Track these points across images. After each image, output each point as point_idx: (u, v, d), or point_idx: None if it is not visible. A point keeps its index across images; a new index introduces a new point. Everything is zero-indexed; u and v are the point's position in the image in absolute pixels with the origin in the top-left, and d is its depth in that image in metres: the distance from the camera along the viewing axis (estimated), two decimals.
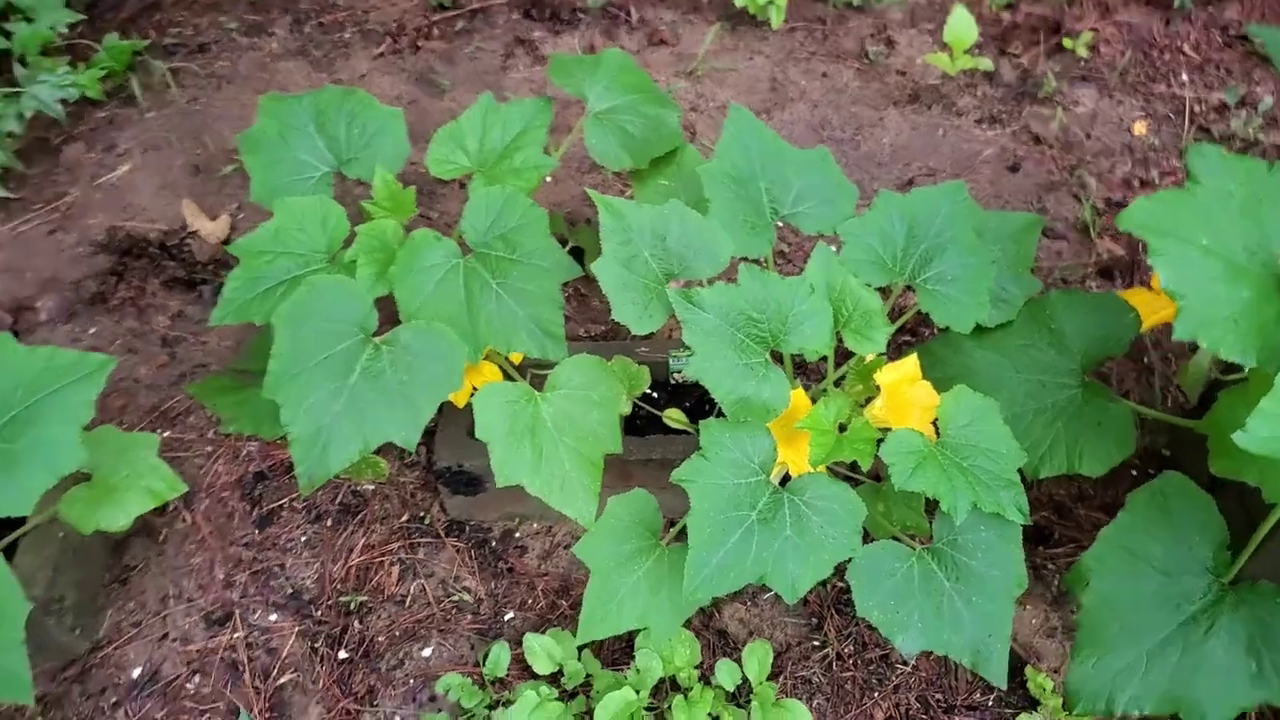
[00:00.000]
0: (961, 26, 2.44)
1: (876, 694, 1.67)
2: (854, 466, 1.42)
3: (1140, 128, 2.61)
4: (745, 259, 1.47)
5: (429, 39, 2.89)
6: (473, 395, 1.42)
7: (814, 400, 1.47)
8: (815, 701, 1.65)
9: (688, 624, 1.67)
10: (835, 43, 2.90)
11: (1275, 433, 1.13)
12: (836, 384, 1.58)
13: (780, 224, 1.60)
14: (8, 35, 2.41)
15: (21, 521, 1.60)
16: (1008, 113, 2.69)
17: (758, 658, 1.61)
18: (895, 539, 1.43)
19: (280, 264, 1.56)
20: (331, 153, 1.74)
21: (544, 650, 1.60)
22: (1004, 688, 1.39)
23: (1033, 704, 1.65)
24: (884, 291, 1.56)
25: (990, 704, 1.67)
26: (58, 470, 1.37)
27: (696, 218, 1.46)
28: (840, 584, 1.77)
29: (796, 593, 1.32)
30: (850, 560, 1.38)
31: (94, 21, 2.79)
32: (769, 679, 1.64)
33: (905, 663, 1.71)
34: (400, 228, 1.60)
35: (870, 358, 1.51)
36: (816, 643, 1.72)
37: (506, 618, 1.75)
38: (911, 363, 1.51)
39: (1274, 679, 1.32)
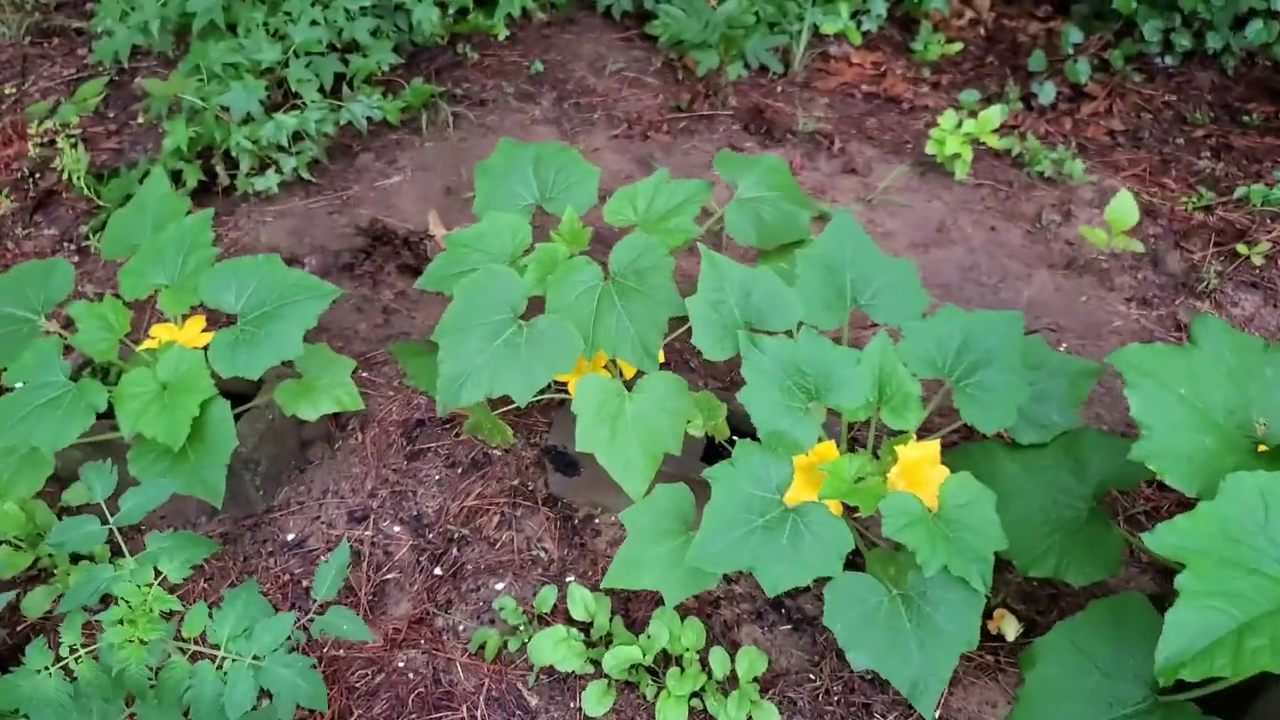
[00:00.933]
0: (1124, 208, 2.69)
1: None
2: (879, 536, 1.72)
3: None
4: (814, 327, 1.84)
5: (658, 131, 3.47)
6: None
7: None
8: (793, 718, 1.92)
9: (707, 629, 1.99)
10: (1014, 205, 3.20)
11: (1180, 541, 1.36)
12: (875, 451, 1.89)
13: (856, 309, 1.95)
14: (347, 63, 3.21)
15: (248, 399, 2.19)
16: (1160, 299, 2.87)
17: (750, 659, 1.91)
18: (878, 581, 1.71)
19: (474, 257, 2.09)
20: (539, 190, 2.27)
21: (582, 600, 1.98)
22: (929, 718, 1.62)
23: None
24: (932, 385, 1.86)
25: None
26: (281, 355, 1.95)
27: (779, 283, 1.86)
28: None
29: (776, 587, 1.64)
30: (830, 580, 1.68)
31: (410, 66, 3.60)
32: (761, 690, 1.93)
33: (885, 716, 1.94)
34: (567, 253, 2.09)
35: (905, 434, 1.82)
36: (812, 675, 1.99)
37: (567, 579, 2.15)
38: (933, 446, 1.81)
39: None
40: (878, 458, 1.85)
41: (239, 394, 2.13)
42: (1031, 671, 1.63)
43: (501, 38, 3.93)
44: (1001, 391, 1.83)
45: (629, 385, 1.91)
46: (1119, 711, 1.57)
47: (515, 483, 2.34)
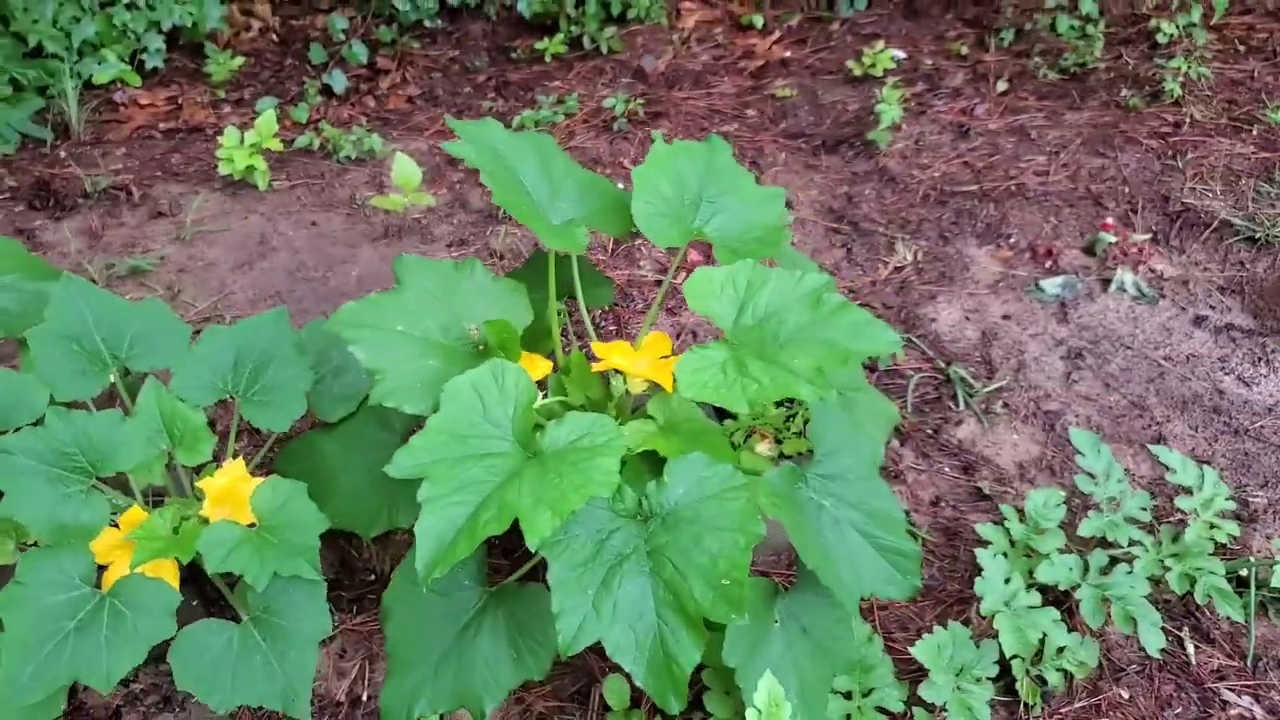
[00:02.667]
0: (405, 170, 2.89)
1: None
2: None
3: None
4: (63, 405, 1.74)
5: None
6: None
7: None
8: None
9: None
10: (331, 195, 3.32)
11: (417, 460, 1.52)
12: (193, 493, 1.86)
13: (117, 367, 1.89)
14: None
15: None
16: (475, 235, 3.17)
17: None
18: (212, 616, 1.70)
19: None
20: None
21: None
22: None
23: None
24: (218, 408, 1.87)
25: None
26: None
27: (12, 377, 1.73)
28: None
29: (109, 682, 1.56)
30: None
31: None
32: None
33: None
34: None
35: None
36: None
37: None
38: (237, 466, 1.83)
39: (529, 659, 1.69)
40: (199, 498, 1.83)
41: None
42: (390, 623, 1.74)
43: None
44: (285, 388, 1.90)
45: None
46: (465, 618, 1.73)
47: None
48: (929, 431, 2.49)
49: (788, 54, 4.20)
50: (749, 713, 1.44)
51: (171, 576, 1.74)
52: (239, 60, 3.96)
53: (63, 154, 3.48)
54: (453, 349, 1.73)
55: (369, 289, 2.91)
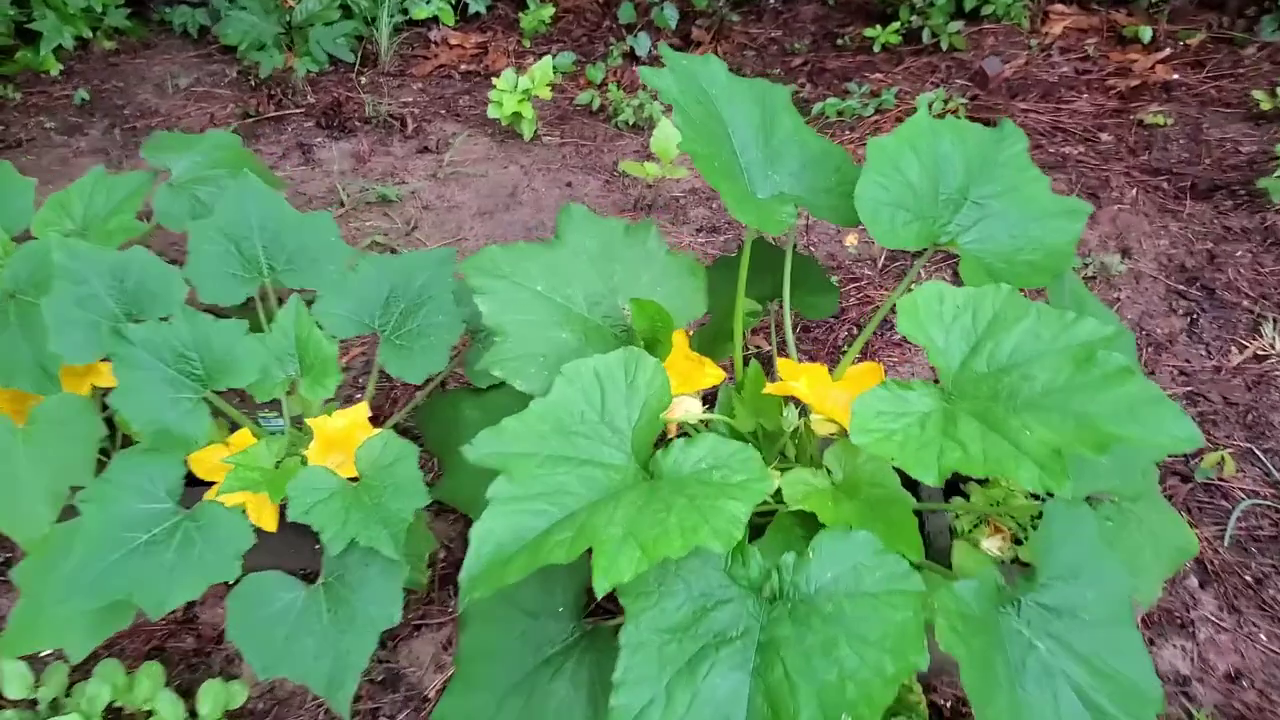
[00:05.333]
0: (665, 136, 2.67)
1: None
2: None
3: (852, 239, 2.76)
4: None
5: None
6: None
7: None
8: None
9: (169, 668, 1.77)
10: (596, 158, 3.17)
11: (503, 447, 1.25)
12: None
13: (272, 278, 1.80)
14: None
15: None
16: (733, 225, 2.87)
17: (213, 693, 1.71)
18: (290, 573, 1.54)
19: None
20: None
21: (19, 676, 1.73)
22: (346, 718, 1.47)
23: None
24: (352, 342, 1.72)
25: None
26: None
27: (158, 263, 1.68)
28: None
29: (161, 609, 1.44)
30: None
31: None
32: None
33: (395, 718, 1.77)
34: None
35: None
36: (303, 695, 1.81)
37: None
38: (360, 410, 1.67)
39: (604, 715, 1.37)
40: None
41: None
42: (466, 632, 1.50)
43: (55, 73, 3.63)
44: (431, 337, 1.72)
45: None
46: (549, 650, 1.45)
47: None
48: (1249, 579, 1.86)
49: (1173, 76, 3.48)
50: None
51: (270, 517, 1.61)
52: (550, 11, 3.93)
53: (364, 80, 3.62)
54: (596, 326, 1.45)
55: None
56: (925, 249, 1.47)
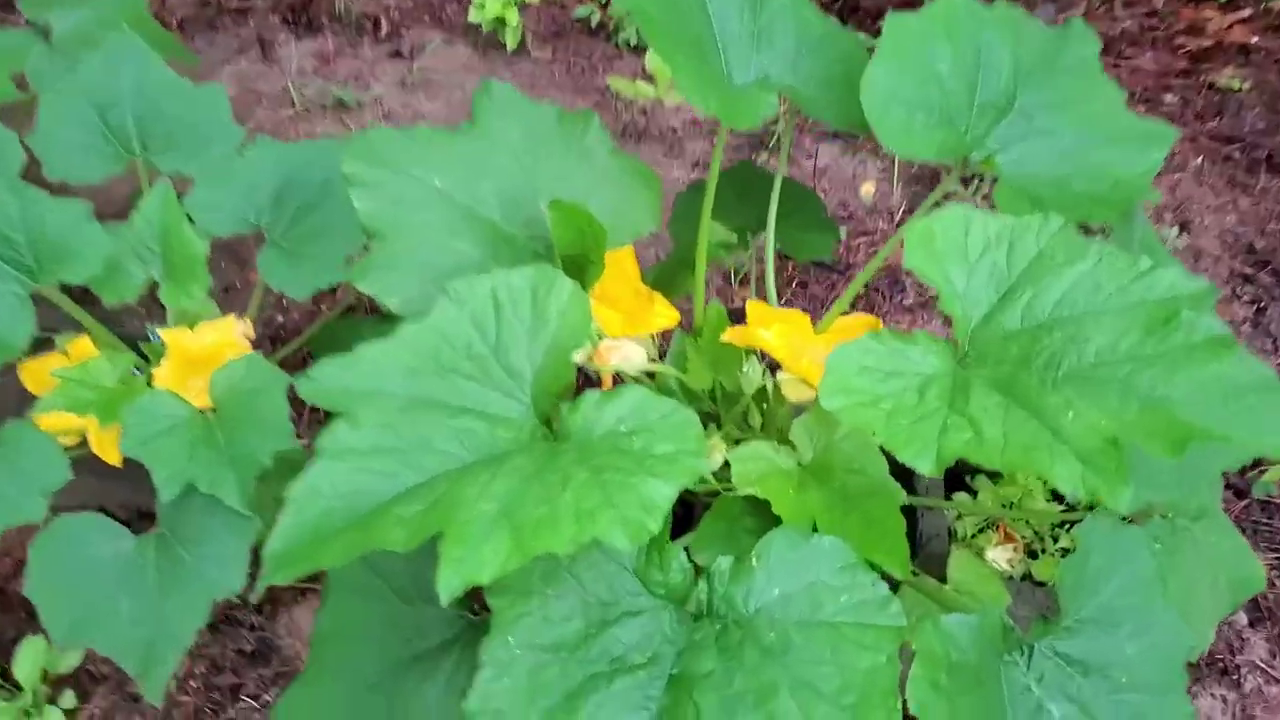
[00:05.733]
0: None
1: None
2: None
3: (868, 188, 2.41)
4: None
5: (173, 30, 2.92)
6: None
7: None
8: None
9: None
10: (590, 79, 2.81)
11: (353, 383, 0.93)
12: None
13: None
14: None
15: None
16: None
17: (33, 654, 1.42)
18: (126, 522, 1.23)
19: None
20: None
21: None
22: (158, 704, 1.16)
23: None
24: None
25: None
26: None
27: None
28: None
29: None
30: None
31: None
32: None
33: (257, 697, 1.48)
34: None
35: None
36: None
37: None
38: (227, 325, 1.35)
39: None
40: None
41: None
42: (326, 605, 1.17)
43: None
44: (328, 241, 1.39)
45: None
46: (421, 645, 1.13)
47: None
48: None
49: (1253, 39, 3.09)
50: None
51: (114, 448, 1.30)
52: None
53: None
54: (509, 237, 1.11)
55: None
56: (951, 168, 1.12)
